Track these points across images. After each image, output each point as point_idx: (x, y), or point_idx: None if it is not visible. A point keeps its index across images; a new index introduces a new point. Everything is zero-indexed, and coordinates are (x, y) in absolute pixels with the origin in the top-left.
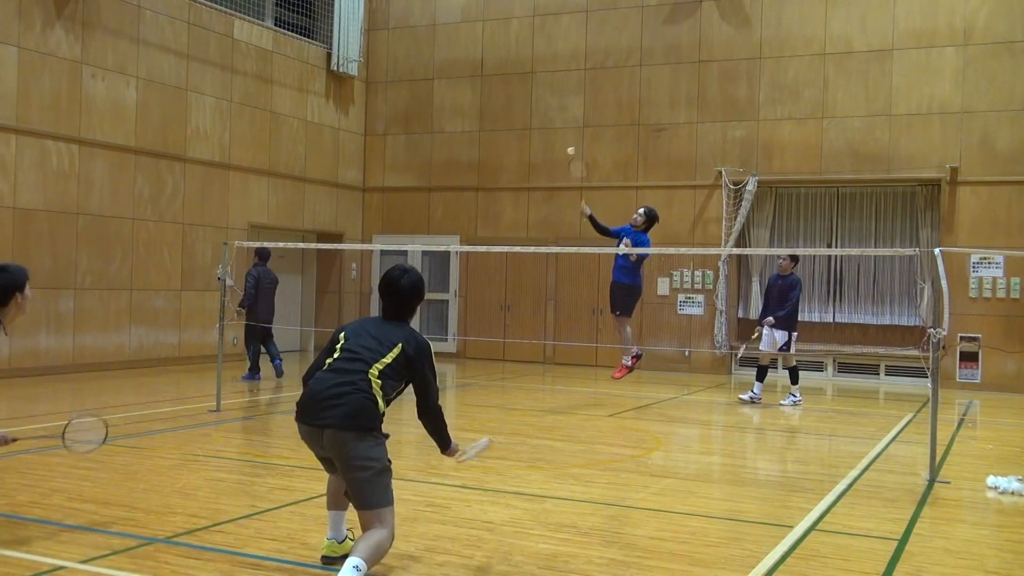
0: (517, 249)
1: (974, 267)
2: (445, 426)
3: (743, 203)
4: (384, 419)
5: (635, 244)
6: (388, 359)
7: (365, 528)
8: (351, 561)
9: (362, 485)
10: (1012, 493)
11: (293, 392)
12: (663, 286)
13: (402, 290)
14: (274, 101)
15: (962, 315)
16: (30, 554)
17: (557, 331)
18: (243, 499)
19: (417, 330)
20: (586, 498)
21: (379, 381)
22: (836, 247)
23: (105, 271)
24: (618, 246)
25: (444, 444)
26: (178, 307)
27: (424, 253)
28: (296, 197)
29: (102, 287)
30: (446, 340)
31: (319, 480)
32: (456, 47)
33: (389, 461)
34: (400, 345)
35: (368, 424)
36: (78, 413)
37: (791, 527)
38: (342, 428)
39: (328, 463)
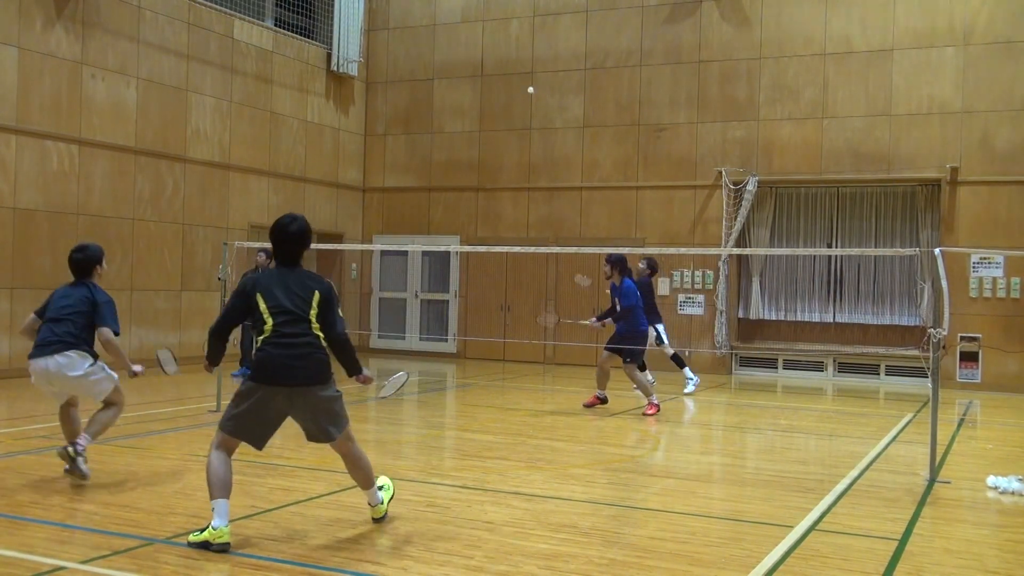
0: (517, 249)
1: (974, 267)
2: (354, 351)
3: (743, 203)
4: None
5: (616, 297)
6: (315, 307)
7: (340, 451)
8: (375, 486)
9: (335, 418)
10: (1012, 493)
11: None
12: (663, 286)
13: (292, 236)
14: (274, 101)
15: (962, 315)
16: (30, 554)
17: (557, 331)
18: (243, 499)
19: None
20: (586, 498)
21: (319, 334)
22: (836, 247)
23: (105, 271)
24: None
25: (354, 368)
26: (178, 307)
27: (424, 253)
28: (296, 197)
29: (102, 287)
30: (446, 340)
31: (319, 480)
32: (456, 47)
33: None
34: (317, 292)
35: (329, 373)
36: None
37: (791, 527)
38: (311, 383)
39: (271, 423)
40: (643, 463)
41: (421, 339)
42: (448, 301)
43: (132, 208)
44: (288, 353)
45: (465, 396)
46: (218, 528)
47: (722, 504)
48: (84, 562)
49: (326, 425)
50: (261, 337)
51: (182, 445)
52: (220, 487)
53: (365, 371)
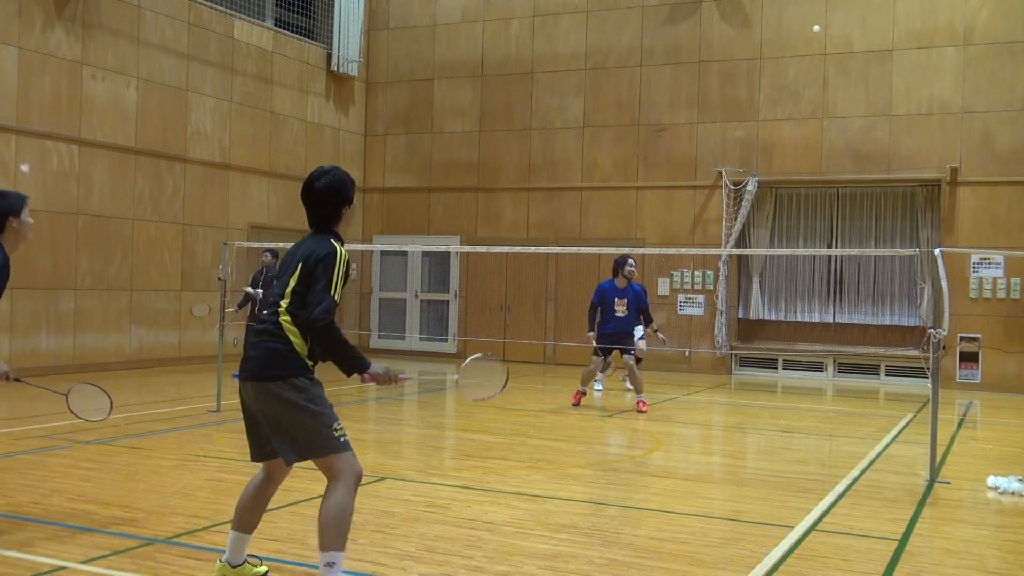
0: (517, 249)
1: (974, 267)
2: (343, 342)
3: (743, 203)
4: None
5: (628, 298)
6: (292, 284)
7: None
8: (330, 557)
9: (290, 434)
10: (1012, 493)
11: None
12: (663, 286)
13: (317, 193)
14: (274, 101)
15: (962, 315)
16: (30, 554)
17: (557, 331)
18: None
19: (337, 249)
20: (586, 498)
21: (287, 318)
22: (836, 247)
23: (105, 271)
24: (622, 306)
25: (350, 364)
26: (178, 307)
27: (424, 253)
28: (296, 197)
29: (102, 287)
30: (446, 340)
31: (319, 480)
32: (456, 47)
33: (324, 404)
34: (300, 263)
35: (279, 372)
36: (78, 385)
37: (791, 527)
38: (254, 380)
39: (252, 430)
40: (643, 463)
41: (421, 339)
42: (448, 301)
43: (132, 208)
44: (250, 343)
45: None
46: (217, 563)
47: (722, 504)
48: (84, 562)
49: (280, 441)
50: None
51: (182, 445)
52: (234, 515)
53: (374, 366)
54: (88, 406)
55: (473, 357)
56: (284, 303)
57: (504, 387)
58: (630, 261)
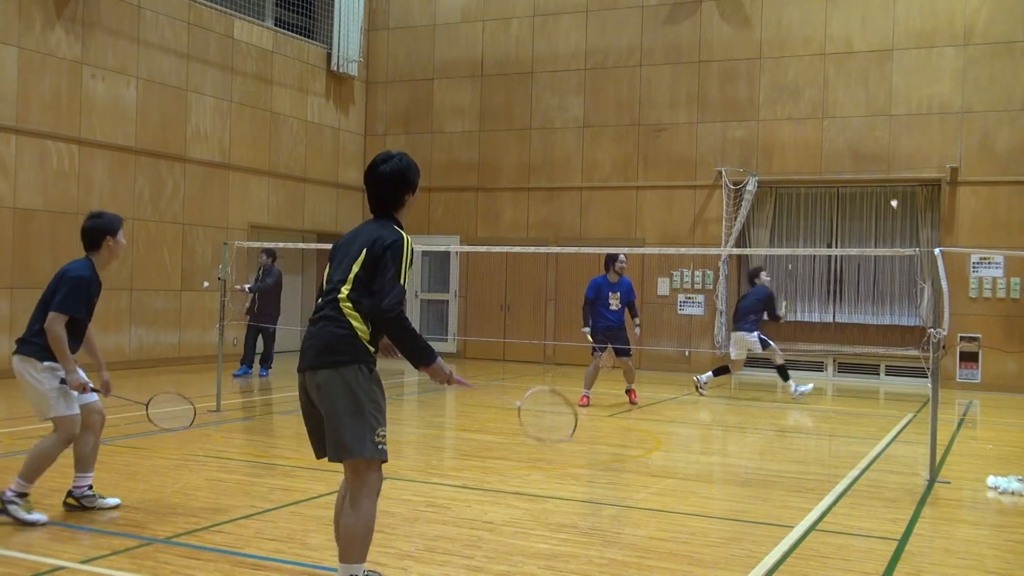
0: (517, 249)
1: (974, 267)
2: (414, 333)
3: (743, 203)
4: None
5: (621, 292)
6: (356, 269)
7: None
8: (353, 569)
9: (340, 427)
10: (1012, 493)
11: (291, 392)
12: (663, 286)
13: (381, 177)
14: (274, 101)
15: (962, 315)
16: (30, 554)
17: (557, 331)
18: (243, 499)
19: (404, 237)
20: (586, 498)
21: (348, 304)
22: (836, 247)
23: (105, 271)
24: (615, 300)
25: (419, 356)
26: (178, 307)
27: (424, 253)
28: (296, 197)
29: (102, 287)
30: (446, 340)
31: (319, 480)
32: (456, 47)
33: (378, 405)
34: (365, 249)
35: (341, 357)
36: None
37: (791, 527)
38: (314, 368)
39: (310, 422)
40: (643, 463)
41: None
42: (448, 301)
43: (132, 208)
44: (307, 332)
45: (465, 396)
46: None
47: (722, 504)
48: (84, 562)
49: (330, 433)
50: None
51: (182, 445)
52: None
53: (439, 361)
54: (168, 415)
55: (539, 390)
56: (346, 289)
57: (573, 432)
58: (621, 257)
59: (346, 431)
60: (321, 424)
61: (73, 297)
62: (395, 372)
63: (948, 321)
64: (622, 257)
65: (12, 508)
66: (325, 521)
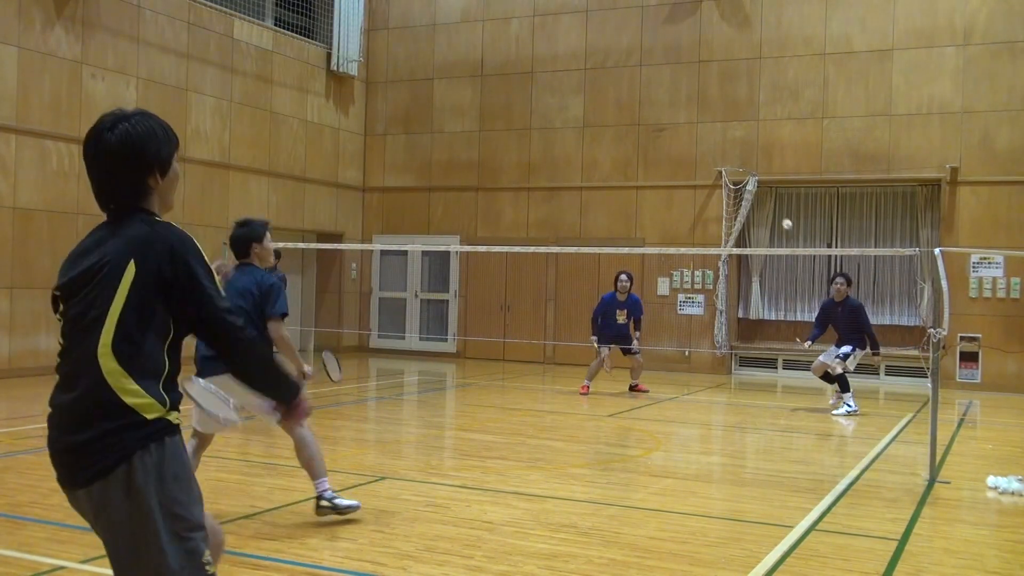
0: (517, 249)
1: (974, 267)
2: (271, 363)
3: (743, 203)
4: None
5: (629, 308)
6: (119, 304)
7: None
8: None
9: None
10: (1012, 493)
11: None
12: (663, 286)
13: (108, 150)
14: (274, 101)
15: (962, 315)
16: (30, 554)
17: (557, 331)
18: (243, 499)
19: (190, 237)
20: (586, 498)
21: (114, 359)
22: (836, 247)
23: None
24: (622, 316)
25: (283, 393)
26: None
27: (424, 253)
28: (296, 197)
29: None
30: (446, 340)
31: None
32: (456, 47)
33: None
34: (132, 261)
35: (116, 452)
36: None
37: (791, 527)
38: (85, 485)
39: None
40: (643, 463)
41: (421, 339)
42: (448, 301)
43: None
44: (54, 415)
45: (465, 396)
46: None
47: (722, 504)
48: (84, 562)
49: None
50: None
51: None
52: None
53: (296, 378)
54: (332, 368)
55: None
56: (105, 343)
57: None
58: (621, 277)
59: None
60: None
61: (284, 298)
62: (395, 372)
63: (948, 321)
64: (623, 277)
65: (337, 501)
66: (325, 521)
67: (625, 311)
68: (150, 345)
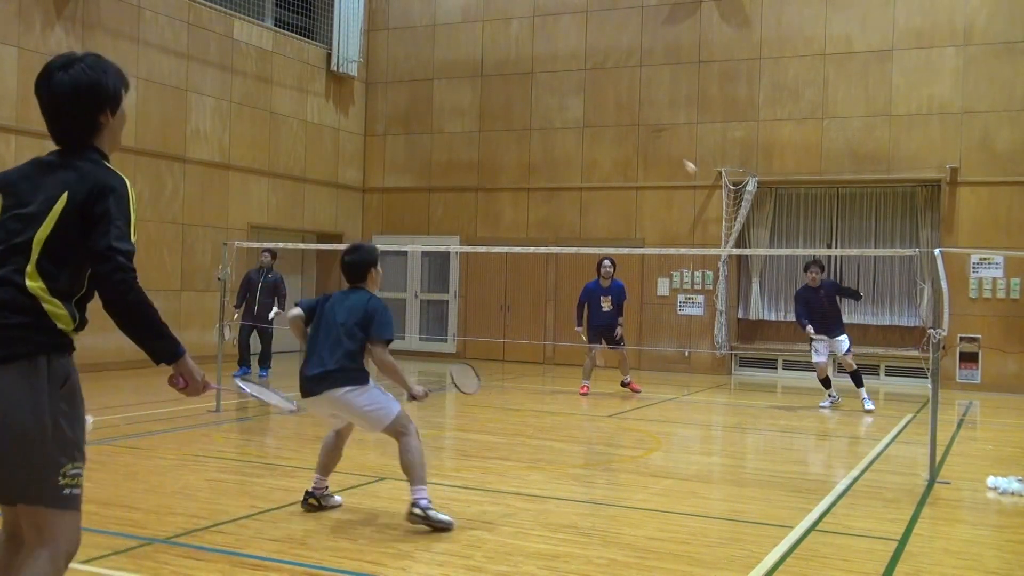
0: (517, 249)
1: (974, 267)
2: (153, 312)
3: (743, 203)
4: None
5: (613, 295)
6: (47, 230)
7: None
8: None
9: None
10: (1012, 493)
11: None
12: (663, 286)
13: (59, 89)
14: (274, 101)
15: (962, 315)
16: None
17: (557, 331)
18: (243, 499)
19: (126, 182)
20: (586, 498)
21: (39, 278)
22: (836, 247)
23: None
24: (607, 302)
25: (164, 347)
26: (178, 307)
27: (424, 253)
28: (296, 197)
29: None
30: (446, 340)
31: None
32: (456, 47)
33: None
34: (64, 198)
35: (16, 349)
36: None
37: (791, 527)
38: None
39: None
40: (643, 463)
41: (421, 339)
42: (448, 301)
43: None
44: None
45: (465, 396)
46: None
47: (722, 504)
48: (84, 562)
49: None
50: None
51: (182, 445)
52: None
53: (195, 366)
54: (466, 381)
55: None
56: (32, 258)
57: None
58: (605, 263)
59: (15, 463)
60: None
61: (391, 324)
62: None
63: (948, 321)
64: (606, 263)
65: (432, 513)
66: (325, 521)
67: (609, 297)
68: (72, 269)
